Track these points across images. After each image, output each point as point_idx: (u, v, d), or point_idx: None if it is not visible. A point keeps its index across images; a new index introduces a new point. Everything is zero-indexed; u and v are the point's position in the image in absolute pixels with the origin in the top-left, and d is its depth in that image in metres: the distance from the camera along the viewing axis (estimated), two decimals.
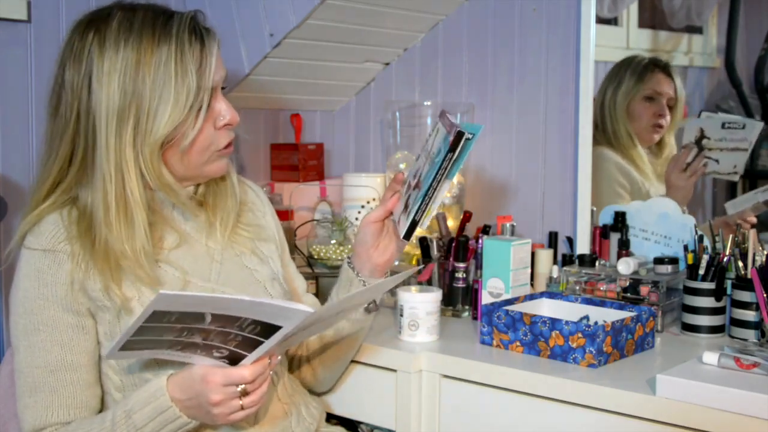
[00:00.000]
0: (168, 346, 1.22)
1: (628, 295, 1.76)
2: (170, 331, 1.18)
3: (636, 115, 2.10)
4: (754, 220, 1.93)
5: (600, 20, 2.05)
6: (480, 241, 1.81)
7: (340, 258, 2.02)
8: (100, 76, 1.29)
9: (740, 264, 1.65)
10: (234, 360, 1.22)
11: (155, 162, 1.31)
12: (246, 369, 1.21)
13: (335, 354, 1.59)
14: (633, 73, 2.10)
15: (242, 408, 1.23)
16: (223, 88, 1.38)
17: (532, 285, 1.83)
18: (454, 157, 1.35)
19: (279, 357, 1.26)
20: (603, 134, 2.10)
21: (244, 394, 1.22)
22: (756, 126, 2.02)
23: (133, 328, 1.15)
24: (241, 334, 1.18)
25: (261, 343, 1.19)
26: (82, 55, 1.31)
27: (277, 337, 1.17)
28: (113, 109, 1.29)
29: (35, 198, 1.36)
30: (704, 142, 2.03)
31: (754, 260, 1.65)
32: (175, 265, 1.38)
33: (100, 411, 1.38)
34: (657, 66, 2.11)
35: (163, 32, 1.30)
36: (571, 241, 2.04)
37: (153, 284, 1.33)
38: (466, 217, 1.90)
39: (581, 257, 1.89)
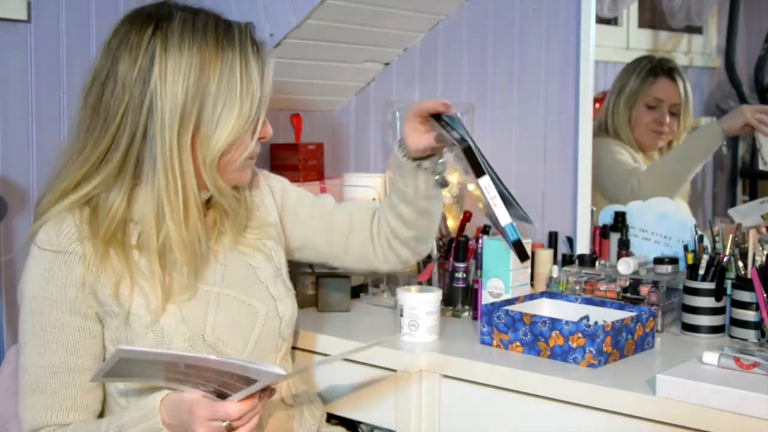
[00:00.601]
0: (153, 377, 1.22)
1: (628, 295, 1.76)
2: (149, 369, 1.18)
3: (637, 122, 2.09)
4: (765, 231, 1.91)
5: (600, 20, 2.05)
6: (480, 241, 1.81)
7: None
8: (163, 74, 1.27)
9: (740, 264, 1.65)
10: (222, 395, 1.20)
11: (213, 169, 1.32)
12: (233, 405, 1.18)
13: (426, 225, 1.59)
14: (637, 77, 2.09)
15: None
16: None
17: (532, 285, 1.83)
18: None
19: (274, 394, 1.24)
20: (606, 133, 2.10)
21: (230, 429, 1.20)
22: None
23: (105, 369, 1.16)
24: (220, 379, 1.17)
25: (242, 388, 1.17)
26: (139, 49, 1.28)
27: (255, 386, 1.16)
28: (176, 110, 1.27)
29: (60, 189, 1.33)
30: None
31: (754, 260, 1.65)
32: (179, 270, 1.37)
33: (101, 414, 1.38)
34: (662, 70, 2.10)
35: (227, 38, 1.30)
36: (571, 241, 2.04)
37: (185, 291, 1.35)
38: (466, 217, 1.90)
39: (581, 257, 1.89)
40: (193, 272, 1.34)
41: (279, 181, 1.61)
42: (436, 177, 1.53)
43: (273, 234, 1.52)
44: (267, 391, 1.22)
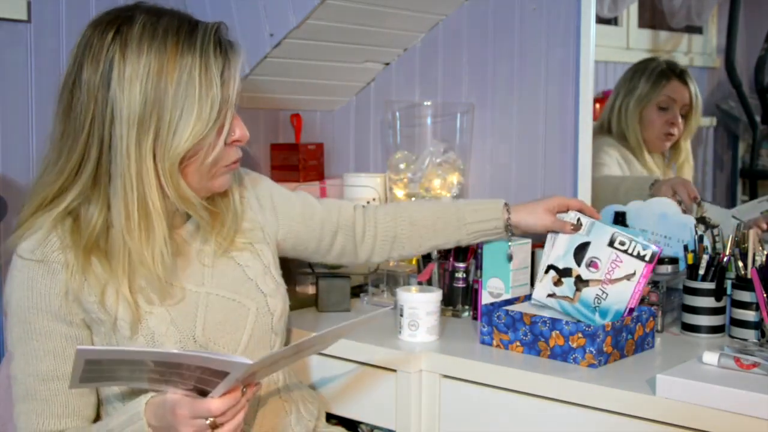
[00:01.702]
0: (129, 381, 1.21)
1: None
2: (120, 371, 1.17)
3: (648, 123, 2.09)
4: (765, 226, 1.92)
5: (600, 20, 2.05)
6: None
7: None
8: (121, 80, 1.25)
9: (740, 264, 1.65)
10: (203, 392, 1.19)
11: (174, 175, 1.28)
12: (214, 402, 1.17)
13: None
14: (648, 79, 2.09)
15: None
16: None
17: (532, 285, 1.83)
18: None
19: (258, 387, 1.23)
20: (609, 134, 2.10)
21: (215, 426, 1.19)
22: None
23: (78, 370, 1.14)
24: (195, 375, 1.15)
25: (218, 382, 1.16)
26: (100, 55, 1.26)
27: (228, 380, 1.15)
28: (134, 116, 1.25)
29: (38, 200, 1.32)
30: None
31: (754, 260, 1.65)
32: (170, 273, 1.36)
33: (95, 419, 1.38)
34: (673, 73, 2.10)
35: (188, 41, 1.27)
36: None
37: (164, 296, 1.33)
38: None
39: None
40: (157, 286, 1.32)
41: (263, 182, 1.60)
42: (509, 252, 1.70)
43: (260, 236, 1.51)
44: (251, 385, 1.21)
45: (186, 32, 1.28)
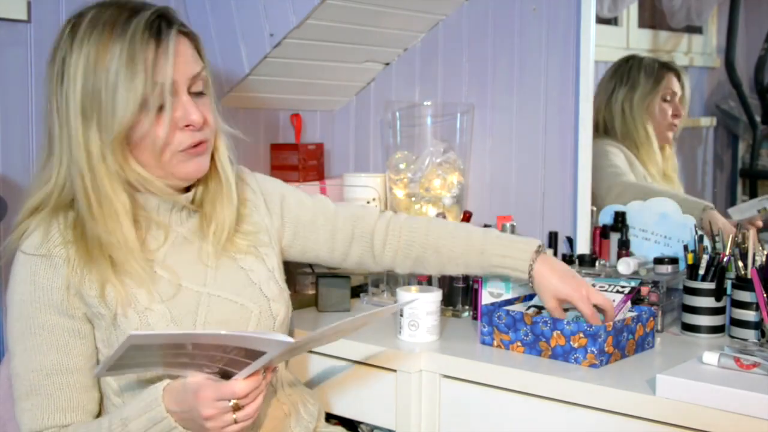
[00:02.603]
0: (155, 366, 1.22)
1: None
2: (154, 356, 1.18)
3: (656, 116, 2.10)
4: (760, 224, 1.92)
5: (600, 20, 2.05)
6: None
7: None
8: (68, 73, 1.29)
9: (740, 264, 1.65)
10: (226, 375, 1.21)
11: (121, 159, 1.30)
12: (238, 384, 1.18)
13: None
14: (649, 74, 2.11)
15: (236, 422, 1.21)
16: (200, 93, 1.35)
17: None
18: None
19: (277, 369, 1.24)
20: (606, 134, 2.10)
21: (237, 408, 1.20)
22: None
23: (112, 359, 1.15)
24: (227, 357, 1.17)
25: (248, 363, 1.18)
26: (57, 52, 1.31)
27: (263, 360, 1.17)
28: (78, 105, 1.29)
29: (36, 200, 1.35)
30: None
31: (754, 260, 1.65)
32: (169, 270, 1.37)
33: (99, 414, 1.38)
34: (666, 67, 2.13)
35: (121, 29, 1.29)
36: (571, 241, 2.04)
37: (146, 282, 1.33)
38: (466, 217, 1.90)
39: (581, 257, 1.90)
40: (138, 272, 1.33)
41: (274, 185, 1.60)
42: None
43: (265, 240, 1.51)
44: (269, 369, 1.23)
45: (123, 19, 1.30)
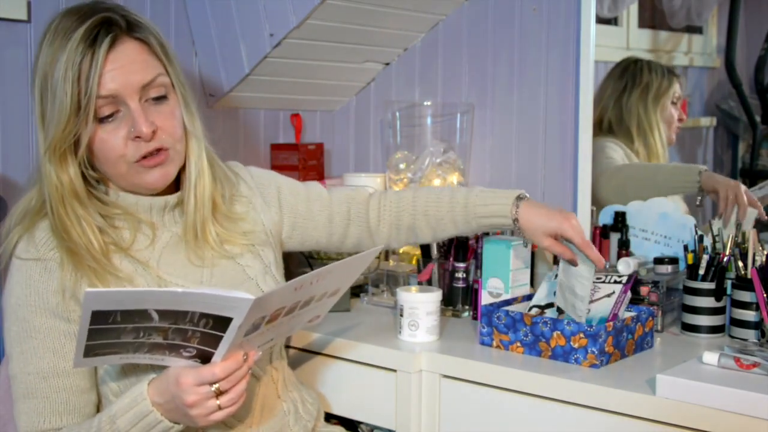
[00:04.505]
0: (133, 350, 1.20)
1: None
2: (124, 333, 1.16)
3: (667, 118, 2.12)
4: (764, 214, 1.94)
5: (600, 20, 2.05)
6: (480, 241, 1.81)
7: (339, 258, 2.02)
8: (34, 78, 1.32)
9: (740, 264, 1.65)
10: (205, 359, 1.20)
11: (57, 165, 1.31)
12: (217, 366, 1.18)
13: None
14: (661, 76, 2.12)
15: (220, 408, 1.20)
16: (161, 97, 1.34)
17: (531, 285, 1.83)
18: None
19: (258, 353, 1.23)
20: (609, 132, 2.10)
21: (220, 393, 1.19)
22: None
23: (83, 332, 1.14)
24: (198, 330, 1.15)
25: (221, 337, 1.16)
26: (35, 60, 1.34)
27: (233, 329, 1.15)
28: (37, 110, 1.32)
29: (25, 204, 1.37)
30: None
31: (754, 260, 1.65)
32: (164, 271, 1.37)
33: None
34: (672, 72, 2.15)
35: (67, 35, 1.28)
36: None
37: (128, 279, 1.33)
38: None
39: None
40: (105, 262, 1.33)
41: (269, 177, 1.60)
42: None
43: (263, 238, 1.51)
44: (251, 353, 1.21)
45: (72, 28, 1.29)
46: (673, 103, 2.12)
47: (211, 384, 1.19)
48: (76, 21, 1.30)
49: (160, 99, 1.34)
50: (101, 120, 1.30)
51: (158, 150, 1.34)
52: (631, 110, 2.11)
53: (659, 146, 2.11)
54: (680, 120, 2.13)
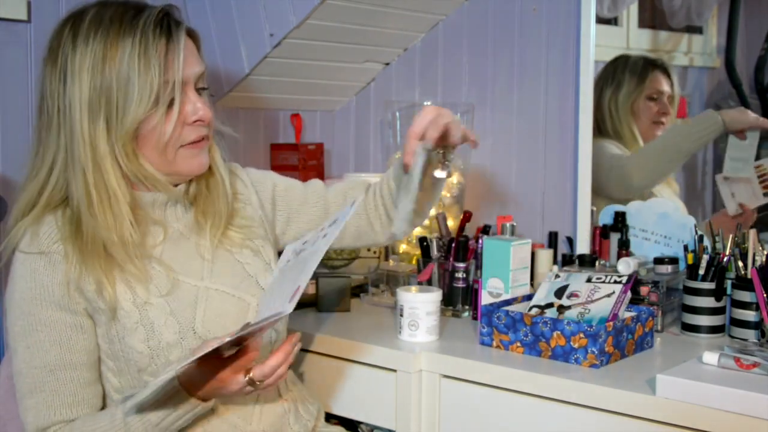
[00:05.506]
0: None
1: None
2: None
3: (639, 114, 2.11)
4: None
5: (600, 20, 2.05)
6: (480, 241, 1.81)
7: (339, 257, 2.02)
8: (73, 71, 1.30)
9: (740, 264, 1.65)
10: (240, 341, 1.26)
11: (130, 155, 1.32)
12: (266, 365, 1.26)
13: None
14: (633, 73, 2.11)
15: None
16: (204, 88, 1.38)
17: (532, 285, 1.83)
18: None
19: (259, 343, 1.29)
20: (600, 133, 2.10)
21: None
22: None
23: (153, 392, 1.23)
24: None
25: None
26: (57, 51, 1.32)
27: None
28: (85, 102, 1.30)
29: (27, 199, 1.36)
30: None
31: (754, 260, 1.65)
32: (166, 265, 1.38)
33: (103, 409, 1.38)
34: (654, 65, 2.13)
35: (129, 26, 1.30)
36: (571, 241, 2.04)
37: (144, 280, 1.34)
38: (466, 217, 1.90)
39: (581, 257, 1.89)
40: (133, 270, 1.34)
41: (265, 176, 1.61)
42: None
43: (260, 233, 1.52)
44: (292, 337, 1.31)
45: (130, 17, 1.31)
46: (652, 99, 2.11)
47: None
48: (132, 11, 1.32)
49: (203, 90, 1.39)
50: (169, 105, 1.33)
51: (204, 136, 1.40)
52: (605, 110, 2.12)
53: (635, 145, 2.11)
54: (662, 113, 2.12)
